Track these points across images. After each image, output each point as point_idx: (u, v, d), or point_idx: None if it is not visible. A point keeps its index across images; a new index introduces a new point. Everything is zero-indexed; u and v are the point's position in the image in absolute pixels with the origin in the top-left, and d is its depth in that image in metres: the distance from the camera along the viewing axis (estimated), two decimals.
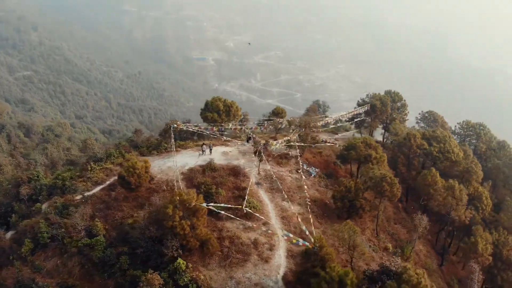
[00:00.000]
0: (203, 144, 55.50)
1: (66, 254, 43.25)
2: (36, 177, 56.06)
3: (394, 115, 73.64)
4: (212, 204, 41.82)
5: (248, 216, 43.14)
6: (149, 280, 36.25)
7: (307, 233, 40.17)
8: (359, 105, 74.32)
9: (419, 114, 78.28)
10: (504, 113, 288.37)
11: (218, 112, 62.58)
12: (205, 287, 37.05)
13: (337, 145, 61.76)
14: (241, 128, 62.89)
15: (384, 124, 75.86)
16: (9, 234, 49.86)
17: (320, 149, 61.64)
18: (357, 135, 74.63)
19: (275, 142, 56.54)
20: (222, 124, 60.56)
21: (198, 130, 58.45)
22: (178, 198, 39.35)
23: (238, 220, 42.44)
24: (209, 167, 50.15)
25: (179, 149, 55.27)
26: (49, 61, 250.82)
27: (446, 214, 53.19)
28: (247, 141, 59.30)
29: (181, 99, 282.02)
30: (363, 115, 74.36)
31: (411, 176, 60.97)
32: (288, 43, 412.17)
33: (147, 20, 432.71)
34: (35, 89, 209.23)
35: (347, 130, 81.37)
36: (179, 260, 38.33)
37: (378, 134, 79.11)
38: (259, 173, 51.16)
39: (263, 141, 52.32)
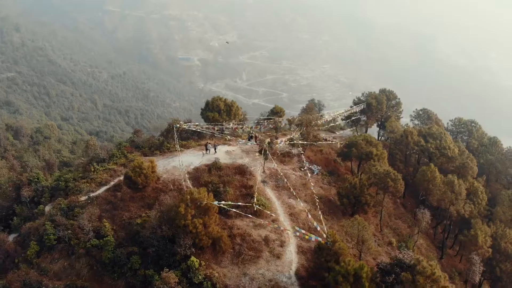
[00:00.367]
0: (207, 143, 55.60)
1: (73, 256, 42.97)
2: (36, 179, 55.50)
3: (389, 113, 75.04)
4: (223, 202, 42.02)
5: (257, 214, 43.53)
6: (165, 278, 36.23)
7: (318, 229, 40.73)
8: (355, 103, 75.68)
9: (414, 111, 79.88)
10: (490, 108, 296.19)
11: (219, 112, 62.88)
12: (220, 284, 37.26)
13: (338, 143, 62.56)
14: (242, 127, 63.12)
15: (379, 122, 77.26)
16: (11, 237, 49.17)
17: (320, 147, 62.49)
18: (353, 133, 76.17)
19: (278, 140, 57.02)
20: (223, 124, 60.83)
21: (201, 130, 58.45)
22: (189, 197, 39.50)
23: (249, 217, 42.74)
24: (214, 166, 50.30)
25: (182, 149, 55.19)
26: (33, 62, 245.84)
27: (445, 209, 54.46)
28: (249, 140, 59.68)
29: (167, 99, 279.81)
30: (359, 113, 75.58)
31: (408, 172, 62.31)
32: (274, 43, 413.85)
33: (130, 20, 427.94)
34: (20, 90, 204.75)
35: (342, 129, 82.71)
36: (193, 258, 38.44)
37: (373, 132, 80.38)
38: (264, 171, 51.57)
39: (268, 140, 52.72)
